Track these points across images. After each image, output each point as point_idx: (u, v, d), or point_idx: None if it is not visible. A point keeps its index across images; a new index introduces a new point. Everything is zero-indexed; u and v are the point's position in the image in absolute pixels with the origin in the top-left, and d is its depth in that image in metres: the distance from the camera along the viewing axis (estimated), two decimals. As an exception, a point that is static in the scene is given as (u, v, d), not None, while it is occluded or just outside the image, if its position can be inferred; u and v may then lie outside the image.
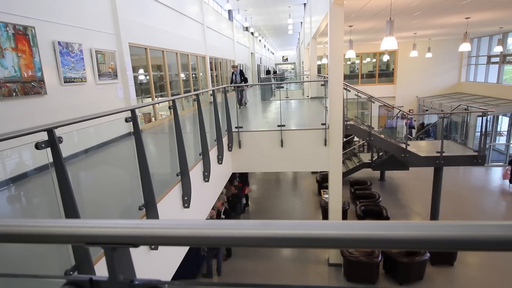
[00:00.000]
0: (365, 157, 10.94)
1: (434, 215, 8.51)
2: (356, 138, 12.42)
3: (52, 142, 1.90)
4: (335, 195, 7.20)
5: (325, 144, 6.83)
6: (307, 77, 15.99)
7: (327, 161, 6.95)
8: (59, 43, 4.83)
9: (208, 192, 5.28)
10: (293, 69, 42.75)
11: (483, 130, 7.63)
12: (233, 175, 9.64)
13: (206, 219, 5.34)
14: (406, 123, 9.91)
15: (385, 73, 20.69)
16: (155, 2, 8.60)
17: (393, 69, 20.31)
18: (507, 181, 11.76)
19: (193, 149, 4.82)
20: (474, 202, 10.73)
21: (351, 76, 21.09)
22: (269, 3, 18.19)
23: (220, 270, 7.54)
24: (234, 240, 0.59)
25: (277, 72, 24.81)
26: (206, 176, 4.95)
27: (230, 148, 6.82)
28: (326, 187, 9.03)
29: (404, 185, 12.38)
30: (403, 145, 7.92)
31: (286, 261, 7.97)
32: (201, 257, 7.85)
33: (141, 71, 8.05)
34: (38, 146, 1.82)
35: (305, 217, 10.43)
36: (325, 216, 9.18)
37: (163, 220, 0.62)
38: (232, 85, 11.26)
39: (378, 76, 20.75)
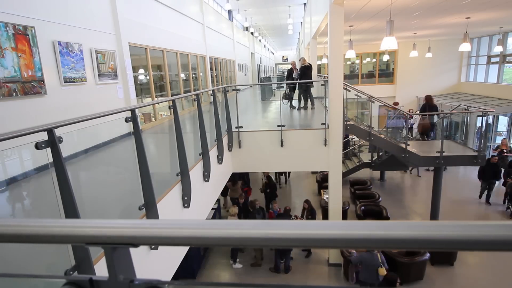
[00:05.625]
0: (365, 157, 10.95)
1: (434, 215, 8.51)
2: (355, 138, 12.42)
3: (52, 142, 1.90)
4: (335, 195, 7.20)
5: (325, 144, 6.83)
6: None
7: (327, 161, 6.95)
8: (59, 43, 4.83)
9: (208, 192, 5.28)
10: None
11: (483, 130, 7.63)
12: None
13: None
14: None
15: (385, 73, 20.69)
16: (155, 2, 8.60)
17: (393, 69, 20.30)
18: (507, 181, 11.76)
19: (193, 149, 4.82)
20: (474, 202, 10.72)
21: (351, 76, 21.08)
22: (269, 3, 18.19)
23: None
24: (234, 240, 0.59)
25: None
26: (206, 176, 4.95)
27: (230, 148, 6.82)
28: (326, 187, 9.04)
29: (404, 185, 12.37)
30: (403, 145, 7.92)
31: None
32: (201, 257, 7.86)
33: (141, 71, 8.05)
34: (38, 146, 1.82)
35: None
36: (325, 216, 9.18)
37: (163, 220, 0.62)
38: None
39: (378, 76, 20.75)
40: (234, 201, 9.92)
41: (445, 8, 8.28)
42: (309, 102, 10.05)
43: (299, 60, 10.32)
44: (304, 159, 7.11)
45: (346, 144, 12.52)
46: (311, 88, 10.26)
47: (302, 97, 10.12)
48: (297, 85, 10.27)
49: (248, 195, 10.34)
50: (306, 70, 9.69)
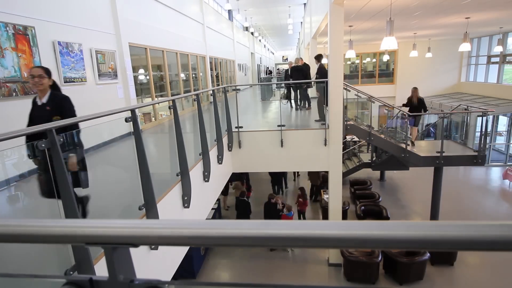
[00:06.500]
0: (365, 157, 10.94)
1: (434, 215, 8.51)
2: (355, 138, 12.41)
3: (52, 142, 1.90)
4: (335, 195, 7.20)
5: (325, 144, 6.83)
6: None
7: (327, 161, 6.95)
8: (59, 43, 4.83)
9: (208, 192, 5.28)
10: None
11: (483, 130, 7.63)
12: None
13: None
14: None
15: (385, 73, 20.68)
16: (155, 2, 8.60)
17: (393, 69, 20.30)
18: (507, 181, 11.76)
19: (193, 149, 4.82)
20: (474, 202, 10.73)
21: (351, 76, 21.08)
22: (269, 3, 18.19)
23: None
24: (234, 240, 0.59)
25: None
26: (206, 176, 4.95)
27: (230, 148, 6.82)
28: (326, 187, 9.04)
29: (404, 185, 12.37)
30: (403, 145, 7.92)
31: (286, 261, 7.97)
32: (201, 257, 7.86)
33: (141, 71, 8.05)
34: (38, 146, 1.82)
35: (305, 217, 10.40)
36: (325, 216, 9.18)
37: (163, 220, 0.62)
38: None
39: (378, 76, 20.74)
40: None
41: (445, 8, 8.27)
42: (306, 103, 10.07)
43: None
44: (304, 159, 7.11)
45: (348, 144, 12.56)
46: (309, 89, 10.26)
47: (298, 97, 10.16)
48: (291, 86, 10.35)
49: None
50: (294, 72, 9.77)
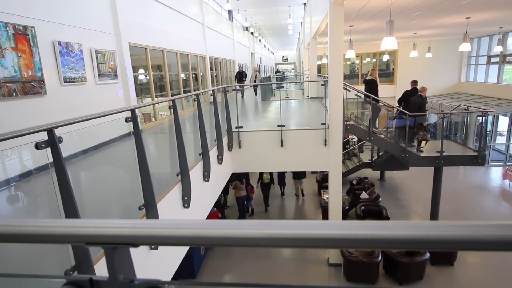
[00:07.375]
0: (365, 157, 10.95)
1: (434, 215, 8.51)
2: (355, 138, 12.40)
3: (52, 142, 1.90)
4: (335, 195, 7.20)
5: (325, 144, 6.83)
6: (307, 77, 16.01)
7: (327, 161, 6.95)
8: (59, 43, 4.83)
9: (208, 192, 5.28)
10: (293, 69, 42.83)
11: (483, 130, 7.62)
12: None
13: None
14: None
15: (385, 73, 20.68)
16: (155, 2, 8.60)
17: (393, 69, 20.29)
18: (507, 181, 11.76)
19: (193, 149, 4.82)
20: (474, 202, 10.73)
21: (351, 76, 21.07)
22: (269, 3, 18.20)
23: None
24: (234, 240, 0.59)
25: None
26: (206, 176, 4.95)
27: (230, 148, 6.82)
28: (326, 187, 9.04)
29: (404, 185, 12.37)
30: (403, 145, 7.92)
31: (286, 261, 7.96)
32: (201, 257, 7.86)
33: (141, 71, 8.05)
34: (38, 146, 1.82)
35: (305, 217, 10.43)
36: (325, 216, 9.18)
37: (163, 220, 0.62)
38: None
39: (378, 76, 20.73)
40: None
41: (445, 8, 8.28)
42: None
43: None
44: (304, 159, 7.11)
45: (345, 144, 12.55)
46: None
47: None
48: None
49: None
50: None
